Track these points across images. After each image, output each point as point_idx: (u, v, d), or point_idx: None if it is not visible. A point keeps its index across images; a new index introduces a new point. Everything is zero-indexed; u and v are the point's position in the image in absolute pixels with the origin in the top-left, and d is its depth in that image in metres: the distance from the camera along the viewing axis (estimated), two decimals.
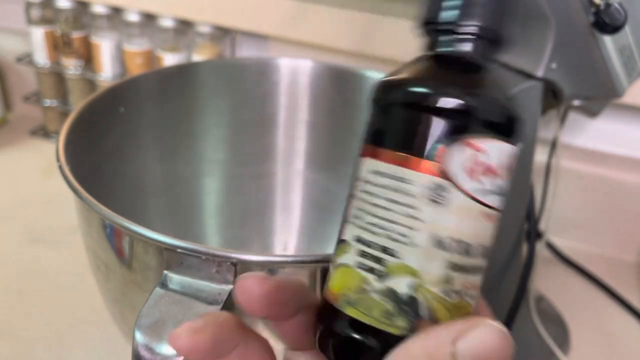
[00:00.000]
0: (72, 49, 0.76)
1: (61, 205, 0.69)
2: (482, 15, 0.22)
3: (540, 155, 0.64)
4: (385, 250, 0.21)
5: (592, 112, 0.52)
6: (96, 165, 0.41)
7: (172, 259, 0.28)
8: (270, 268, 0.28)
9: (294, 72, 0.49)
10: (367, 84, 0.48)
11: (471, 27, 0.22)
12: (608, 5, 0.39)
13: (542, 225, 0.67)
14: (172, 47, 0.73)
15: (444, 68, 0.23)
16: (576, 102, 0.48)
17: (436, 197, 0.21)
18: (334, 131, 0.50)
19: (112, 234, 0.31)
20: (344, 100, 0.49)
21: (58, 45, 0.77)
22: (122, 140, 0.43)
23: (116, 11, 0.75)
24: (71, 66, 0.77)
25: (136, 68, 0.74)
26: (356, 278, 0.22)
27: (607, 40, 0.43)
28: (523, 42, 0.43)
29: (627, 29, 0.44)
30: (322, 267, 0.29)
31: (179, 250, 0.27)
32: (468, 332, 0.19)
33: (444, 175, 0.21)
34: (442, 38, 0.23)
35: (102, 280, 0.36)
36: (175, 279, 0.28)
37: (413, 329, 0.21)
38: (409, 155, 0.21)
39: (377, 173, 0.22)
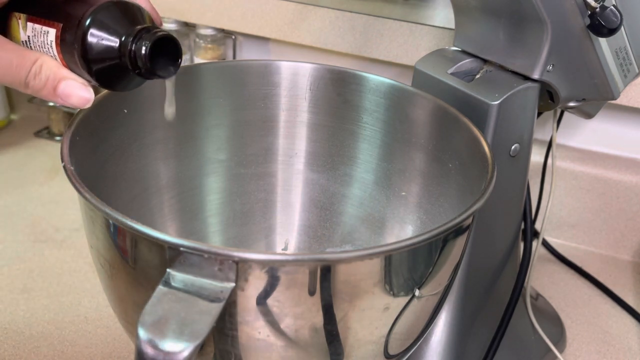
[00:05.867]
0: None
1: (65, 205, 0.69)
2: None
3: (536, 156, 0.65)
4: None
5: (587, 113, 0.52)
6: (100, 165, 0.41)
7: (175, 257, 0.28)
8: (272, 266, 0.29)
9: (295, 74, 0.50)
10: (366, 86, 0.48)
11: None
12: (603, 8, 0.40)
13: (538, 225, 0.68)
14: None
15: None
16: (572, 104, 0.48)
17: None
18: (334, 132, 0.51)
19: (116, 233, 0.32)
20: (343, 102, 0.49)
21: None
22: (126, 141, 0.44)
23: None
24: None
25: None
26: None
27: (603, 42, 0.44)
28: (520, 45, 0.44)
29: (622, 31, 0.45)
30: (322, 266, 0.29)
31: (181, 248, 0.28)
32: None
33: None
34: None
35: (105, 279, 0.36)
36: (178, 277, 0.29)
37: None
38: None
39: None
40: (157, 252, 0.30)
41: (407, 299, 0.33)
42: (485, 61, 0.47)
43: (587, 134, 0.69)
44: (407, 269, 0.32)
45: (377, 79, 0.48)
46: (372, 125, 0.49)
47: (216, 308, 0.28)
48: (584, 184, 0.68)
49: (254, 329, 0.31)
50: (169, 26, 0.72)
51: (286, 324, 0.31)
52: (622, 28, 0.44)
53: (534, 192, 0.61)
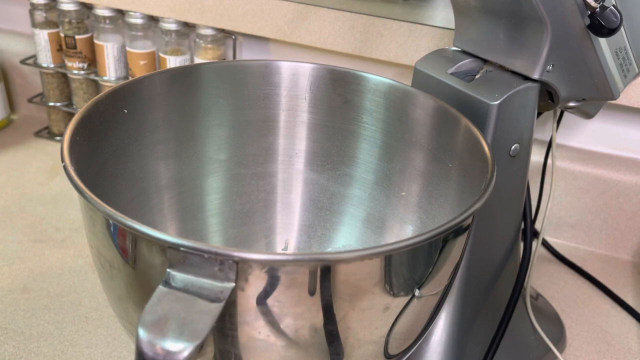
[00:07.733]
0: (76, 50, 0.77)
1: (65, 205, 0.69)
2: None
3: (536, 156, 0.65)
4: None
5: (587, 113, 0.52)
6: (100, 165, 0.41)
7: (175, 257, 0.28)
8: (272, 266, 0.29)
9: (295, 74, 0.50)
10: (366, 86, 0.48)
11: None
12: (603, 8, 0.40)
13: (538, 225, 0.68)
14: (175, 50, 0.73)
15: None
16: (572, 104, 0.48)
17: None
18: (334, 132, 0.51)
19: (116, 233, 0.32)
20: (343, 102, 0.49)
21: (62, 47, 0.78)
22: (126, 141, 0.44)
23: (120, 13, 0.76)
24: (75, 68, 0.78)
25: (139, 69, 0.75)
26: None
27: (603, 42, 0.44)
28: (520, 45, 0.44)
29: (622, 31, 0.45)
30: (322, 266, 0.29)
31: (182, 249, 0.28)
32: None
33: None
34: None
35: (106, 279, 0.36)
36: (179, 277, 0.28)
37: None
38: None
39: None
40: (157, 252, 0.30)
41: (407, 299, 0.33)
42: (485, 61, 0.47)
43: (587, 134, 0.69)
44: (407, 269, 0.32)
45: (377, 79, 0.48)
46: (372, 125, 0.49)
47: (216, 308, 0.28)
48: (584, 184, 0.68)
49: (254, 329, 0.31)
50: (169, 26, 0.72)
51: (286, 324, 0.31)
52: (622, 28, 0.44)
53: (534, 192, 0.61)
